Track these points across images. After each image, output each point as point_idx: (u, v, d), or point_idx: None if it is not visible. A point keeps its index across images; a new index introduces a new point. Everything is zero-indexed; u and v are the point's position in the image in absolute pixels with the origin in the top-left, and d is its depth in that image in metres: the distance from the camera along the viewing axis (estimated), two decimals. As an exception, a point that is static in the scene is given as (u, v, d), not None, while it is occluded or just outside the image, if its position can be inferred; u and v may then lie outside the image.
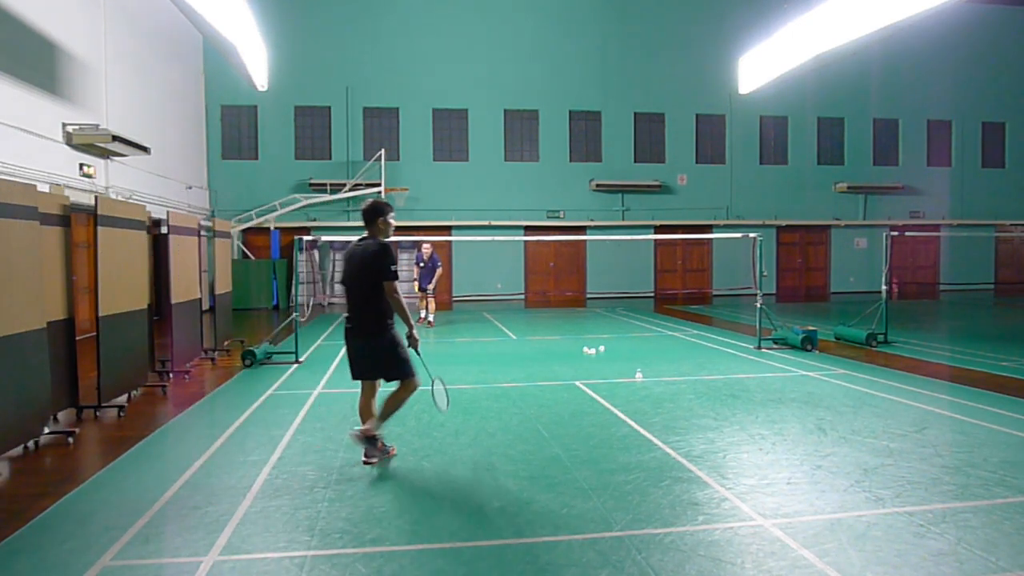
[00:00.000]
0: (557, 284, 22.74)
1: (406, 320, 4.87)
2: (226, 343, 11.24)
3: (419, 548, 3.62)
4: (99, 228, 6.78)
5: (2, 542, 3.77)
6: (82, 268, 12.12)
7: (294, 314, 10.28)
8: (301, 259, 19.78)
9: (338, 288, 19.65)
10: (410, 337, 4.88)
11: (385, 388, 5.08)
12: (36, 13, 11.16)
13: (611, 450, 5.34)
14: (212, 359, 10.12)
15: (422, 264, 14.22)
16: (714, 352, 10.53)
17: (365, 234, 5.04)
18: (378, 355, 4.91)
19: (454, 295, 21.66)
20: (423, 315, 14.55)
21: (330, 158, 21.52)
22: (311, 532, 3.82)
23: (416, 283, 14.41)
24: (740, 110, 23.02)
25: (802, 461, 5.02)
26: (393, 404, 5.00)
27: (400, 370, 4.93)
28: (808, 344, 10.34)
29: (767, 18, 19.25)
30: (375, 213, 4.97)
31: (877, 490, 4.39)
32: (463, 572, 3.35)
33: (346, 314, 5.02)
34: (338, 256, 21.26)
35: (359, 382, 5.09)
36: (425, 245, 14.27)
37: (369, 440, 4.90)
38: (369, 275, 4.81)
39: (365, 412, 5.03)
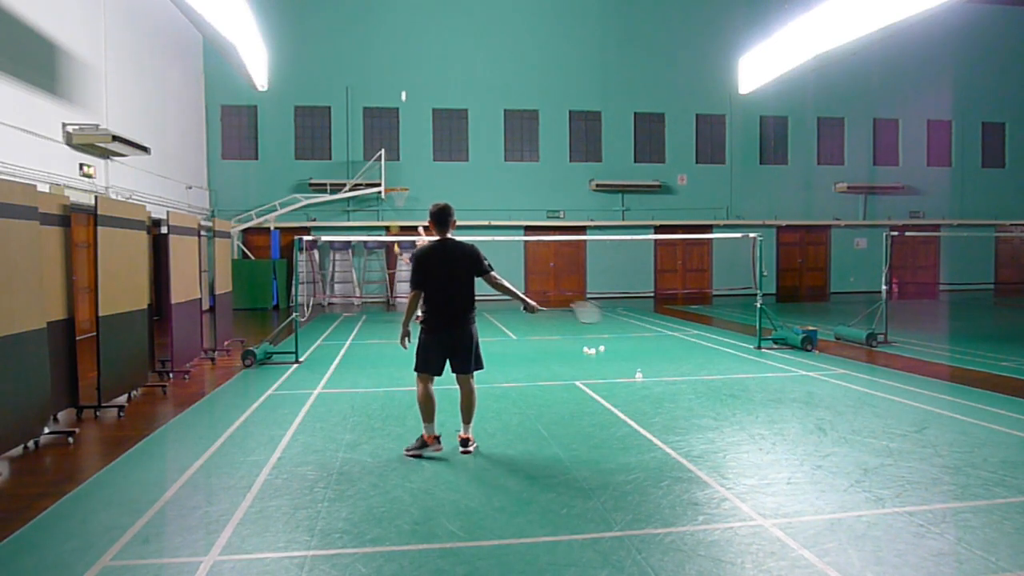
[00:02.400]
0: (557, 284, 22.73)
1: (515, 294, 5.46)
2: (226, 343, 11.24)
3: (419, 548, 3.62)
4: (99, 228, 6.78)
5: (3, 542, 3.77)
6: (82, 268, 12.12)
7: (294, 314, 10.28)
8: (301, 259, 19.80)
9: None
10: (529, 306, 5.46)
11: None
12: (36, 13, 11.15)
13: (611, 450, 5.34)
14: (212, 359, 10.12)
15: None
16: (714, 352, 10.53)
17: (436, 237, 5.41)
18: (474, 343, 5.36)
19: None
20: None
21: (330, 158, 21.52)
22: (311, 532, 3.82)
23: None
24: (740, 110, 23.02)
25: (802, 461, 5.02)
26: (474, 401, 5.42)
27: (480, 360, 5.41)
28: (808, 344, 10.34)
29: (767, 18, 19.26)
30: (450, 214, 5.38)
31: (877, 490, 4.39)
32: (463, 572, 3.35)
33: (432, 311, 5.32)
34: (339, 256, 21.27)
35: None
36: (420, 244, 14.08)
37: (472, 443, 5.39)
38: (471, 270, 5.33)
39: (432, 404, 5.29)
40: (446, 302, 5.31)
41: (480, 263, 5.33)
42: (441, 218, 5.37)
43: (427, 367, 5.33)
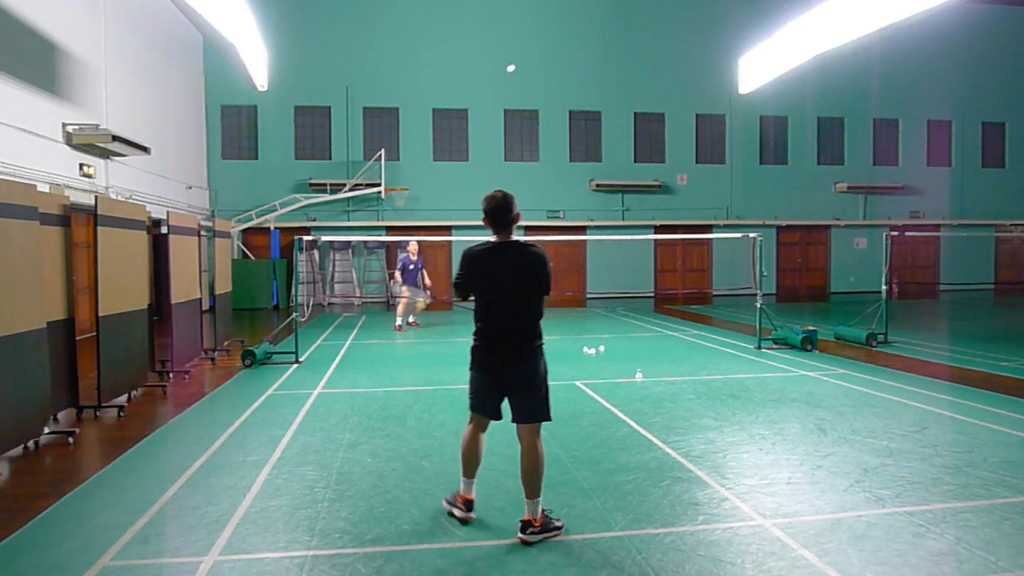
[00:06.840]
0: (557, 284, 22.73)
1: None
2: (226, 343, 11.23)
3: (419, 548, 3.62)
4: (99, 228, 6.78)
5: (3, 542, 3.77)
6: (82, 268, 12.13)
7: (294, 314, 10.28)
8: (301, 259, 19.79)
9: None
10: None
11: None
12: (36, 13, 11.15)
13: (611, 450, 5.34)
14: (212, 359, 10.11)
15: (411, 267, 13.35)
16: (714, 352, 10.53)
17: (492, 237, 3.95)
18: (538, 384, 3.82)
19: (454, 296, 21.67)
20: (412, 319, 14.19)
21: (330, 158, 21.51)
22: (311, 532, 3.82)
23: (402, 283, 13.42)
24: (740, 110, 23.02)
25: (802, 461, 5.02)
26: (540, 463, 3.80)
27: (548, 406, 3.87)
28: (808, 344, 10.34)
29: (767, 18, 19.27)
30: (509, 211, 3.86)
31: (877, 490, 4.39)
32: (463, 572, 3.35)
33: (481, 335, 3.91)
34: (339, 256, 21.26)
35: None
36: (412, 244, 13.42)
37: (546, 530, 3.73)
38: (536, 286, 3.84)
39: (475, 456, 4.04)
40: (500, 323, 3.85)
41: (547, 280, 3.86)
42: (499, 216, 3.86)
43: (480, 407, 3.96)
